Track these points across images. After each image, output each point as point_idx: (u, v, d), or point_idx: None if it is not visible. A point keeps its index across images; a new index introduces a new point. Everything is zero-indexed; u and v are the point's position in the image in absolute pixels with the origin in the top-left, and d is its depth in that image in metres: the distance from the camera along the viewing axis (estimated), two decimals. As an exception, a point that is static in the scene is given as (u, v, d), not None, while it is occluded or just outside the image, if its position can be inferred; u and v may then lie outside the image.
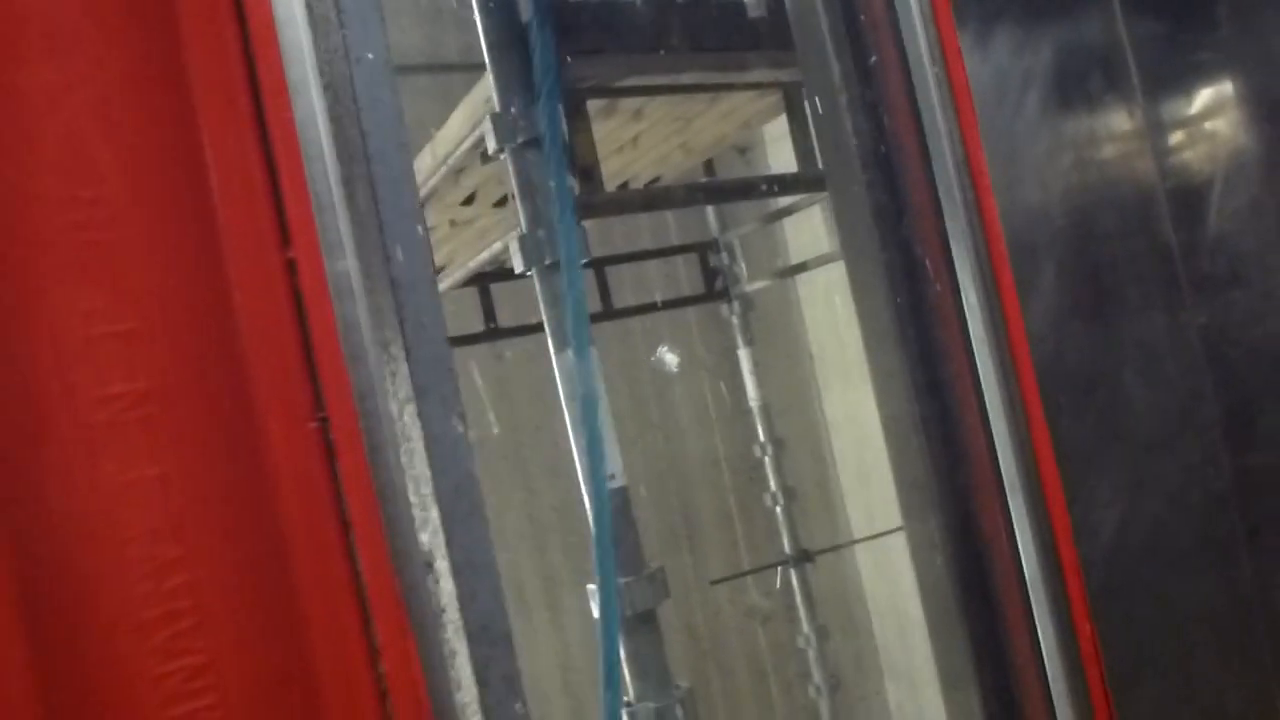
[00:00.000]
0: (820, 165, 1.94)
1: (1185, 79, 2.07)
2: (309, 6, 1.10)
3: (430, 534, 1.19)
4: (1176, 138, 2.03)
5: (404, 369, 1.18)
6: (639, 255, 3.95)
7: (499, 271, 3.50)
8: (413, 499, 1.17)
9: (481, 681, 1.20)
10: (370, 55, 1.20)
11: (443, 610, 1.18)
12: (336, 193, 1.09)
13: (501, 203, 2.94)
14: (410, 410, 1.18)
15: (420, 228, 1.24)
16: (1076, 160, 1.82)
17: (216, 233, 1.09)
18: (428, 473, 1.19)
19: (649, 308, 3.83)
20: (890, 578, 5.20)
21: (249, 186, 1.09)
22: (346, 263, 1.09)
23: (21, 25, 1.03)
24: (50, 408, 1.02)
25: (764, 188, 2.38)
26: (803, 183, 2.37)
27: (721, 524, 4.96)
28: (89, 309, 1.05)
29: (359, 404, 1.09)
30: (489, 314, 3.70)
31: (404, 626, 1.09)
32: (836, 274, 4.73)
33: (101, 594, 1.03)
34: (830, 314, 5.02)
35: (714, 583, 4.36)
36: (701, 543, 4.87)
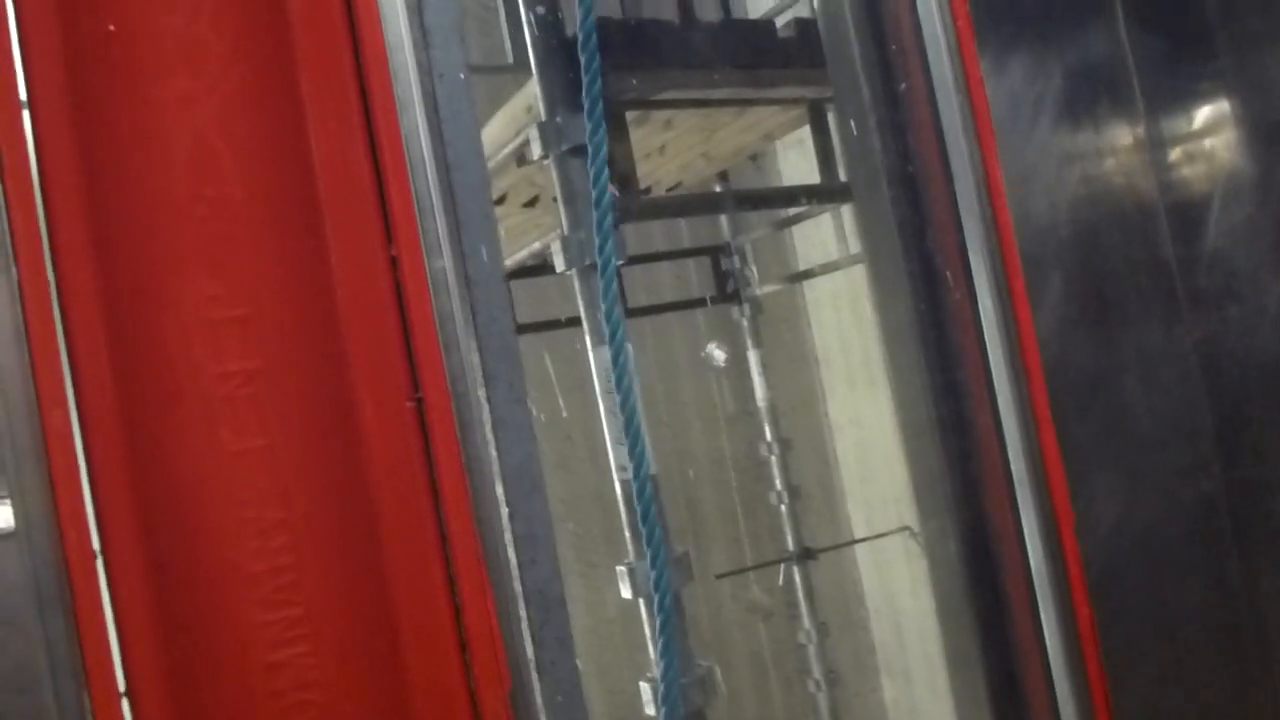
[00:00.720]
0: (842, 178, 2.07)
1: (1186, 102, 2.20)
2: (410, 29, 1.23)
3: (496, 506, 1.32)
4: (1177, 158, 2.16)
5: (476, 357, 1.31)
6: (653, 257, 4.08)
7: (519, 269, 3.63)
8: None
9: (538, 642, 1.34)
10: (453, 73, 1.34)
11: (507, 575, 1.32)
12: (435, 198, 1.22)
13: (531, 203, 3.07)
14: (481, 394, 1.32)
15: (495, 230, 1.37)
16: (1083, 178, 1.95)
17: (324, 230, 1.22)
18: (494, 452, 1.32)
19: (661, 308, 3.95)
20: (888, 577, 5.33)
21: (357, 189, 1.22)
22: (443, 261, 1.22)
23: (159, 41, 1.16)
24: (177, 381, 1.15)
25: (795, 198, 2.51)
26: (826, 194, 2.50)
27: (726, 520, 5.08)
28: (211, 295, 1.18)
29: (452, 387, 1.22)
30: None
31: (485, 585, 1.22)
32: (843, 281, 4.86)
33: (217, 548, 1.16)
34: (836, 319, 5.15)
35: (718, 577, 4.49)
36: (706, 538, 4.99)
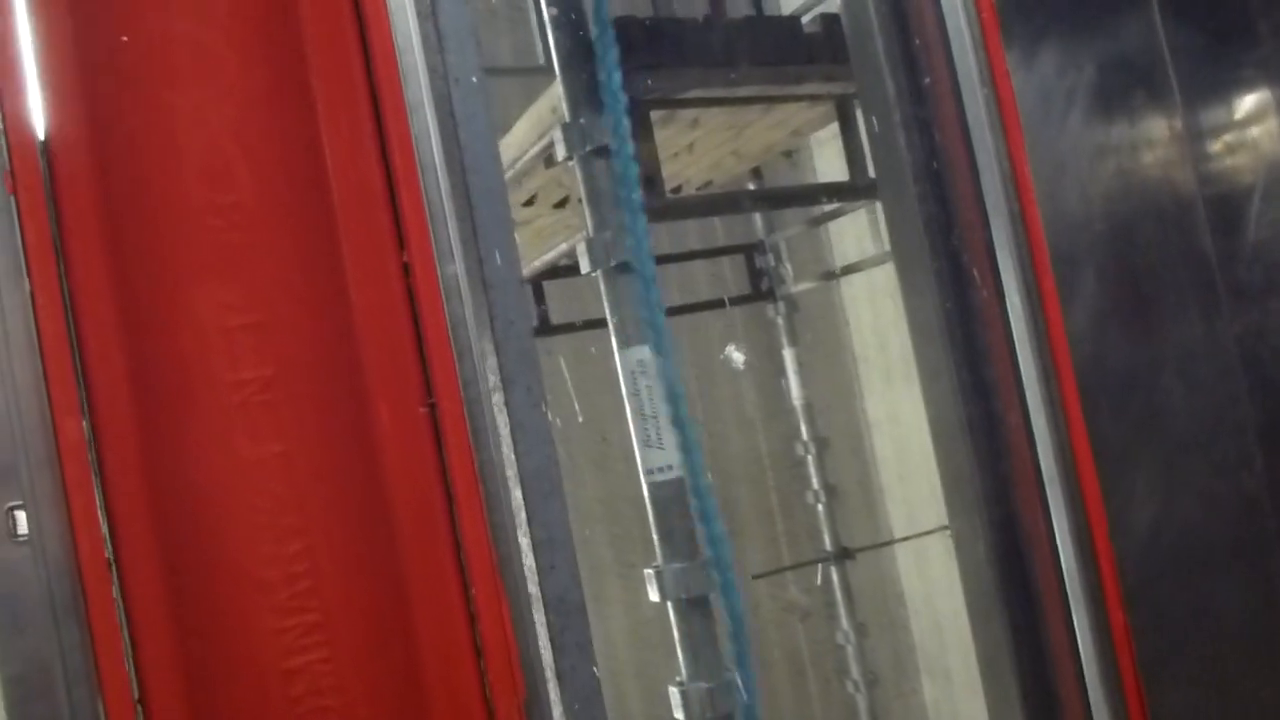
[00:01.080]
0: (872, 175, 2.05)
1: (1226, 92, 2.15)
2: (421, 32, 1.23)
3: (514, 512, 1.31)
4: (1217, 149, 2.11)
5: (493, 361, 1.31)
6: (687, 256, 4.07)
7: (550, 270, 3.63)
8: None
9: (557, 648, 1.33)
10: (467, 76, 1.33)
11: (524, 582, 1.31)
12: (448, 203, 1.21)
13: (561, 204, 3.06)
14: (498, 399, 1.31)
15: (511, 233, 1.37)
16: (1118, 171, 1.91)
17: (338, 236, 1.22)
18: (512, 456, 1.31)
19: (696, 307, 3.94)
20: (928, 577, 5.27)
21: (369, 195, 1.22)
22: (456, 266, 1.21)
23: (172, 51, 1.17)
24: (193, 389, 1.16)
25: (820, 196, 2.49)
26: (854, 191, 2.47)
27: (763, 520, 5.05)
28: (225, 302, 1.19)
29: (464, 392, 1.21)
30: (542, 312, 3.82)
31: (499, 592, 1.22)
32: (880, 277, 4.81)
33: (232, 554, 1.17)
34: (873, 316, 5.10)
35: (755, 577, 4.47)
36: (743, 538, 4.97)
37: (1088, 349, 1.78)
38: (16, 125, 1.05)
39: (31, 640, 1.02)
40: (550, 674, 1.32)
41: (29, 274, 1.04)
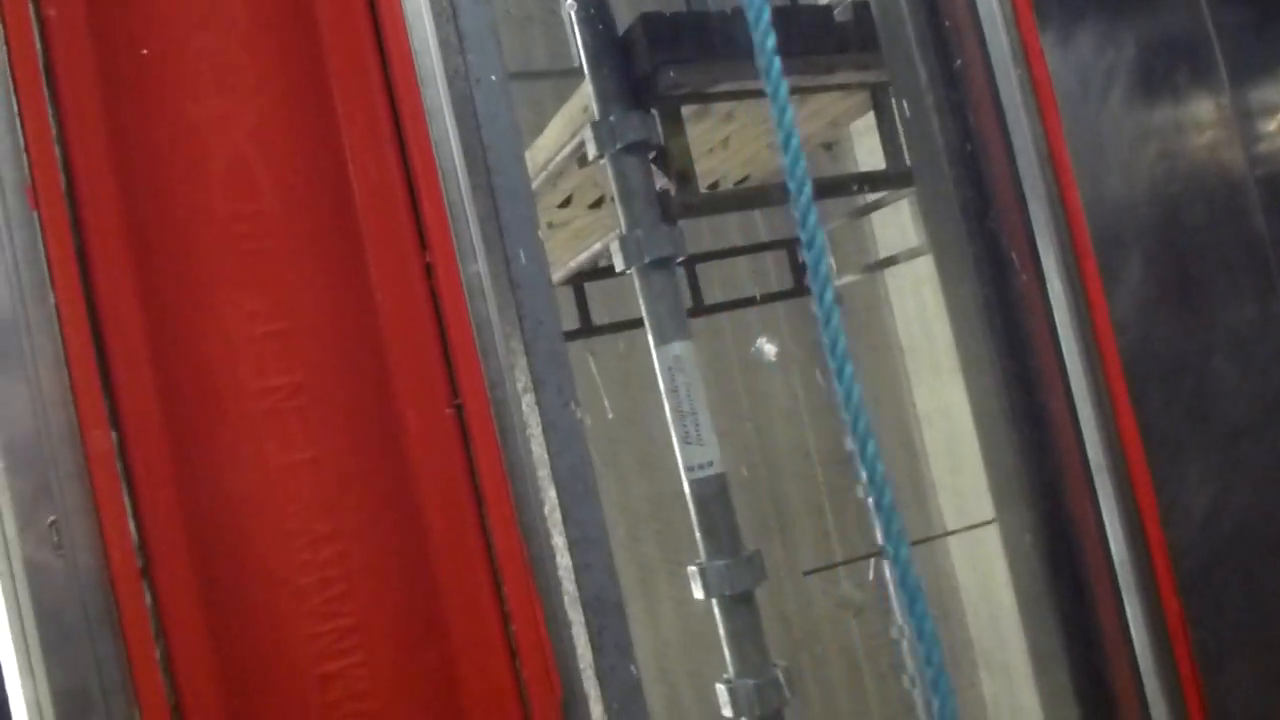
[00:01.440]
0: (909, 163, 2.01)
1: (1276, 69, 2.08)
2: (440, 35, 1.22)
3: (548, 512, 1.31)
4: (1269, 128, 2.05)
5: (523, 361, 1.30)
6: (729, 252, 4.04)
7: (593, 270, 3.62)
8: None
9: (596, 647, 1.32)
10: (489, 76, 1.33)
11: (559, 582, 1.30)
12: (468, 203, 1.21)
13: (597, 204, 3.06)
14: (529, 399, 1.30)
15: (538, 232, 1.36)
16: (1162, 151, 1.86)
17: (361, 241, 1.22)
18: (545, 456, 1.30)
19: (738, 304, 3.91)
20: (983, 570, 5.20)
21: (390, 198, 1.22)
22: (478, 266, 1.21)
23: (193, 63, 1.18)
24: (222, 397, 1.16)
25: (854, 185, 2.46)
26: (891, 179, 2.43)
27: (812, 515, 5.01)
28: (252, 310, 1.19)
29: (490, 393, 1.20)
30: (584, 312, 3.82)
31: (532, 593, 1.21)
32: (924, 268, 4.74)
33: (265, 562, 1.17)
34: (919, 307, 5.04)
35: (807, 573, 4.43)
36: (793, 534, 4.94)
37: (1134, 333, 1.73)
38: (38, 140, 1.06)
39: (70, 656, 1.03)
40: (590, 673, 1.31)
41: (54, 287, 1.05)
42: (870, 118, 2.77)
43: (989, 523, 4.65)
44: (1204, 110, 1.94)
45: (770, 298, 4.40)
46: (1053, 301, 1.66)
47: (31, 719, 1.07)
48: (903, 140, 2.23)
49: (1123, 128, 1.81)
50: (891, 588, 1.81)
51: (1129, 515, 1.64)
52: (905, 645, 4.82)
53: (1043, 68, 1.62)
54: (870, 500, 1.69)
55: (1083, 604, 1.72)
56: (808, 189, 1.59)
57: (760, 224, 4.65)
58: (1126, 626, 1.65)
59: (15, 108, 1.06)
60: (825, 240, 1.66)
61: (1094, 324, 1.64)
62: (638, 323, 3.57)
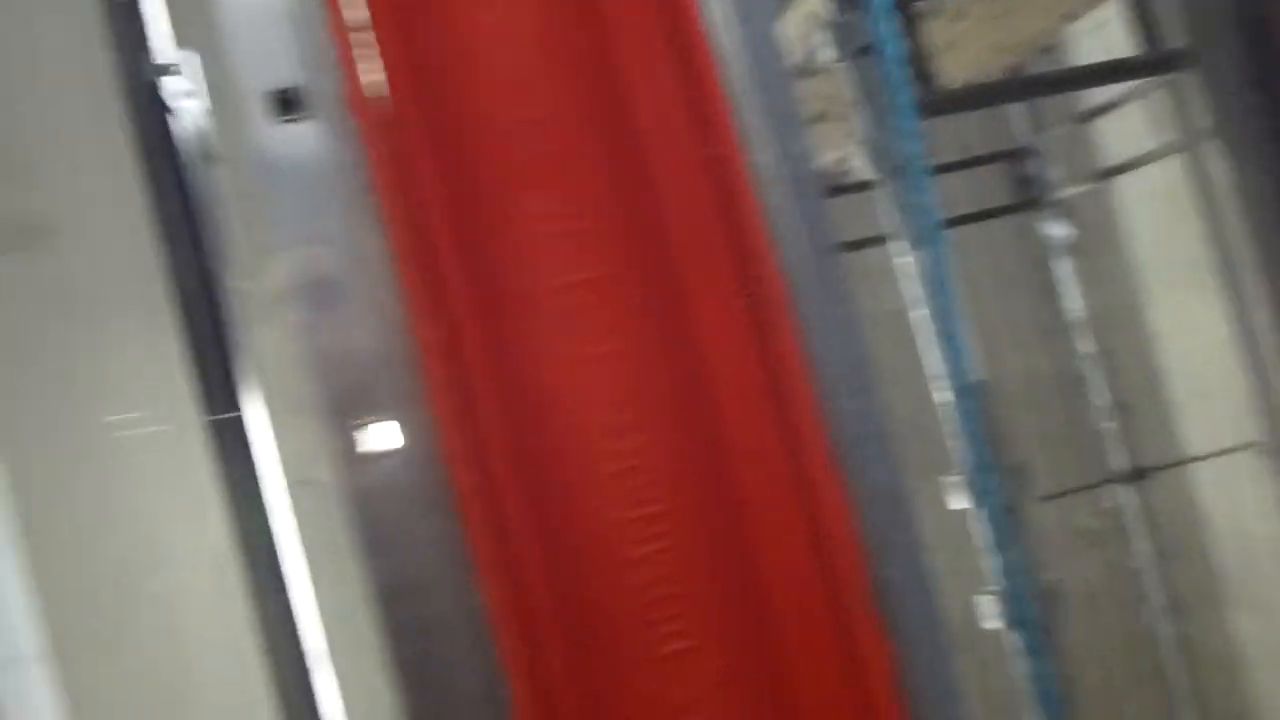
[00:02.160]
0: (1179, 43, 1.88)
1: None
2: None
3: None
4: None
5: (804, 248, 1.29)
6: (949, 167, 3.88)
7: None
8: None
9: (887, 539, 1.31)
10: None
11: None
12: (748, 93, 1.21)
13: (819, 119, 3.00)
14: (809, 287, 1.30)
15: (801, 126, 1.35)
16: None
17: (641, 138, 1.24)
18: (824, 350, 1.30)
19: (965, 219, 3.77)
20: (1236, 499, 4.86)
21: (667, 92, 1.24)
22: (761, 155, 1.21)
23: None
24: (523, 295, 1.22)
25: (1113, 75, 2.32)
26: (1146, 66, 2.28)
27: (1045, 443, 4.80)
28: (545, 212, 1.24)
29: (783, 279, 1.21)
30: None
31: (833, 477, 1.21)
32: (1158, 175, 4.44)
33: (576, 451, 1.22)
34: (1155, 218, 4.71)
35: (1043, 500, 4.26)
36: (1026, 461, 4.76)
37: None
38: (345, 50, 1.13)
39: (412, 543, 1.12)
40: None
41: (377, 189, 1.12)
42: (1094, 17, 2.59)
43: (1243, 448, 4.35)
44: None
45: (990, 214, 4.23)
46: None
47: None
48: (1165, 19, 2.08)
49: None
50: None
51: None
52: (1146, 578, 4.59)
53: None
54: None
55: None
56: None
57: (975, 136, 4.46)
58: None
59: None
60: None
61: None
62: (865, 242, 3.51)
